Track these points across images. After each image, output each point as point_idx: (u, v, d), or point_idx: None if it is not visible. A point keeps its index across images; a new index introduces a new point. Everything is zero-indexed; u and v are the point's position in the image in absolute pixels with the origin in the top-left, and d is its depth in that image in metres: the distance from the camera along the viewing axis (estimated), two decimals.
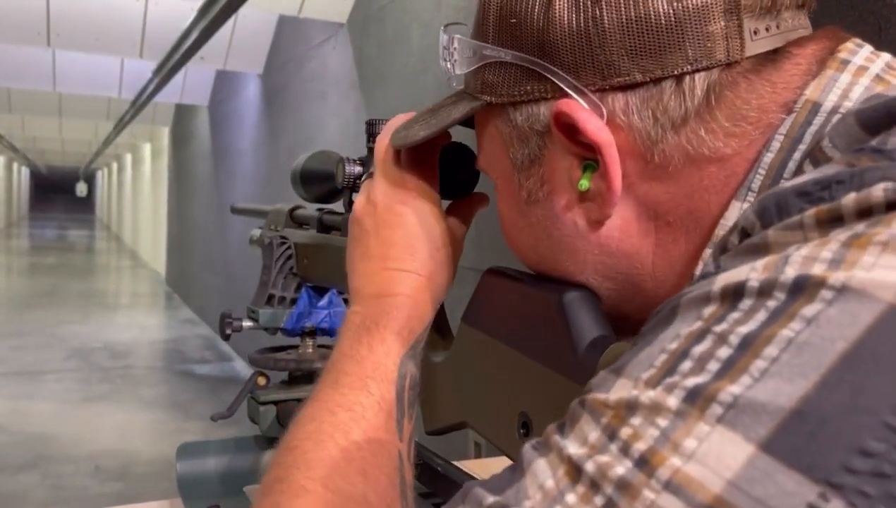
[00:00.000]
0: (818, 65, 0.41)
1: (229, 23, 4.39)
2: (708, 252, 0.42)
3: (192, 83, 7.25)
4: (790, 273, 0.29)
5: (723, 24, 0.40)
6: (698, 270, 0.42)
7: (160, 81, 5.86)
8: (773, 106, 0.41)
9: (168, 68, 5.29)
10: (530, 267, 0.51)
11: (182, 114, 9.21)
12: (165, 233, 10.57)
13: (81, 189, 30.18)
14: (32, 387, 5.32)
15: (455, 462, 0.88)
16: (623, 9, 0.40)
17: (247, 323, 0.95)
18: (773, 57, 0.41)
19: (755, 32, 0.41)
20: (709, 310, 0.31)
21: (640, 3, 0.40)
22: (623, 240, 0.45)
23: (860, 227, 0.29)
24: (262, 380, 0.96)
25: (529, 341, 0.48)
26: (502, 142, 0.48)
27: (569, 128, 0.43)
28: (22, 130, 12.51)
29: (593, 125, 0.42)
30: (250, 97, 5.83)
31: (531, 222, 0.48)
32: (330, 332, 0.99)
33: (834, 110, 0.39)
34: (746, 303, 0.30)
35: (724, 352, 0.29)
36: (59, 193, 41.47)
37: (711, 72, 0.40)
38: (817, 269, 0.28)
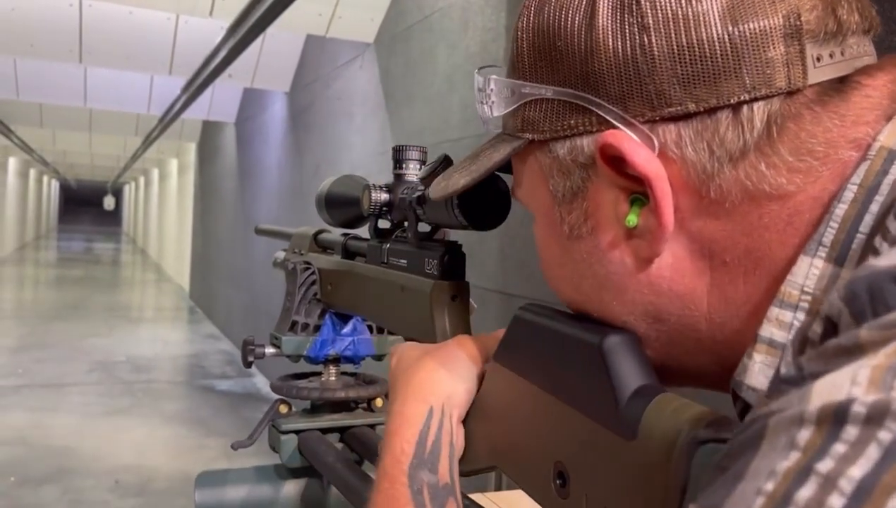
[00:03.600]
0: (889, 100, 0.38)
1: (257, 42, 4.43)
2: (776, 311, 0.38)
3: (220, 100, 7.33)
4: None
5: (783, 49, 0.37)
6: (763, 329, 0.38)
7: (188, 98, 5.93)
8: (842, 141, 0.38)
9: (196, 85, 5.35)
10: (570, 305, 0.48)
11: (209, 130, 9.31)
12: (190, 247, 10.66)
13: (109, 202, 30.65)
14: (55, 400, 5.36)
15: (475, 494, 0.85)
16: (673, 35, 0.38)
17: (269, 350, 0.94)
18: (839, 87, 0.38)
19: (818, 59, 0.37)
20: (804, 437, 0.26)
21: (692, 29, 0.37)
22: (675, 279, 0.41)
23: None
24: (284, 408, 0.94)
25: (566, 387, 0.45)
26: (542, 174, 0.45)
27: (615, 160, 0.40)
28: (53, 144, 12.72)
29: (642, 157, 0.39)
30: (276, 115, 5.88)
31: (574, 259, 0.45)
32: (353, 360, 0.97)
33: None
34: (851, 433, 0.25)
35: (836, 502, 0.24)
36: (88, 206, 42.13)
37: (771, 101, 0.37)
38: None
